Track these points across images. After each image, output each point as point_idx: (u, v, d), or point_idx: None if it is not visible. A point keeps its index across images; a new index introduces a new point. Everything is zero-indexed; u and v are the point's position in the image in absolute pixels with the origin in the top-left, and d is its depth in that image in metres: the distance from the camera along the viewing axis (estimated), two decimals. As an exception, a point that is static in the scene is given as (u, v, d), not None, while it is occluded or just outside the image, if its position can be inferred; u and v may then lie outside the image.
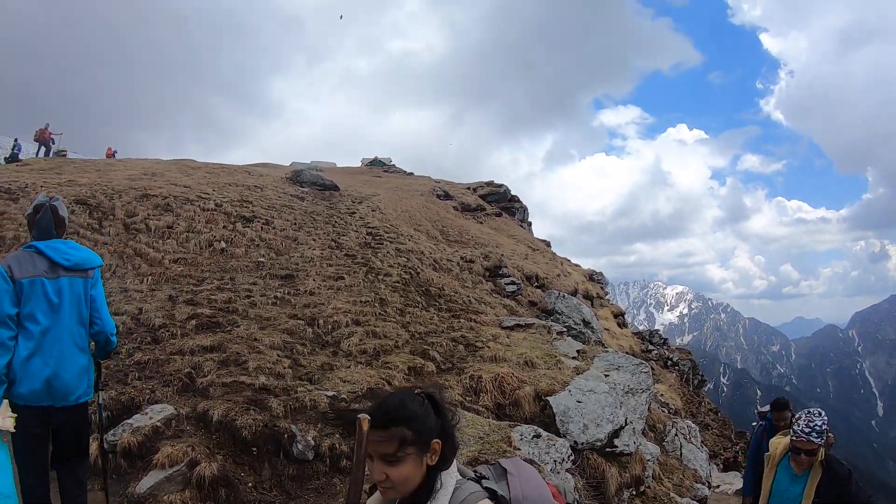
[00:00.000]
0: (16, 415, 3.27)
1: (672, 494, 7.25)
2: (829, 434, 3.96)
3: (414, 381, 6.68)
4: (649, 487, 6.93)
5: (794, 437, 3.81)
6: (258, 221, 13.99)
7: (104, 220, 11.55)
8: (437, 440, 1.59)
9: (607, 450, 6.37)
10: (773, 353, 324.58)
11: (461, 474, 1.66)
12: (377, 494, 1.67)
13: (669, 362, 21.89)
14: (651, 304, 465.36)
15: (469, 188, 31.37)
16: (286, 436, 5.09)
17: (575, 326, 13.82)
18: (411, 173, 37.14)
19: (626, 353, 12.53)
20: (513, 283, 15.03)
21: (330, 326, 8.24)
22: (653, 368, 13.36)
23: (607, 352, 9.17)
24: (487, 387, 6.87)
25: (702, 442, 11.16)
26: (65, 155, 26.78)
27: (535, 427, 5.88)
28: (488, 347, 8.21)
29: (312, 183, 20.89)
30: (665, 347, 24.17)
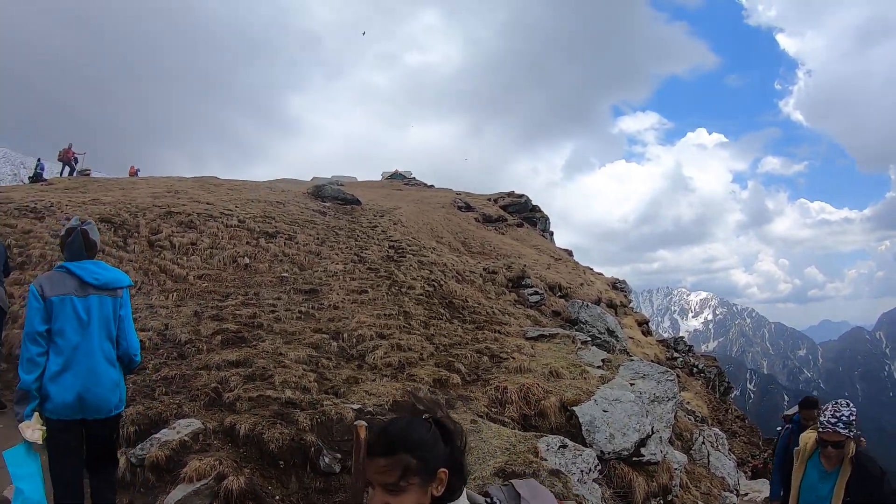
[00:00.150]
0: (45, 427, 3.37)
1: (700, 503, 7.13)
2: (861, 438, 3.82)
3: (439, 393, 6.66)
4: (677, 496, 6.85)
5: (820, 429, 3.67)
6: (281, 237, 14.15)
7: (129, 238, 11.79)
8: (444, 469, 1.48)
9: (634, 459, 6.30)
10: (799, 358, 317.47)
11: (471, 501, 1.58)
12: None
13: (695, 369, 21.50)
14: (675, 310, 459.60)
15: (490, 199, 31.38)
16: (313, 449, 5.10)
17: (599, 336, 13.69)
18: (432, 185, 37.33)
19: (652, 361, 12.38)
20: (536, 293, 14.96)
21: (354, 340, 8.26)
22: (678, 376, 13.17)
23: (632, 360, 9.08)
24: (513, 398, 6.84)
25: (729, 449, 10.96)
26: (89, 174, 27.42)
27: (562, 437, 5.84)
28: (513, 358, 8.16)
29: (334, 197, 21.13)
30: (690, 355, 23.76)
